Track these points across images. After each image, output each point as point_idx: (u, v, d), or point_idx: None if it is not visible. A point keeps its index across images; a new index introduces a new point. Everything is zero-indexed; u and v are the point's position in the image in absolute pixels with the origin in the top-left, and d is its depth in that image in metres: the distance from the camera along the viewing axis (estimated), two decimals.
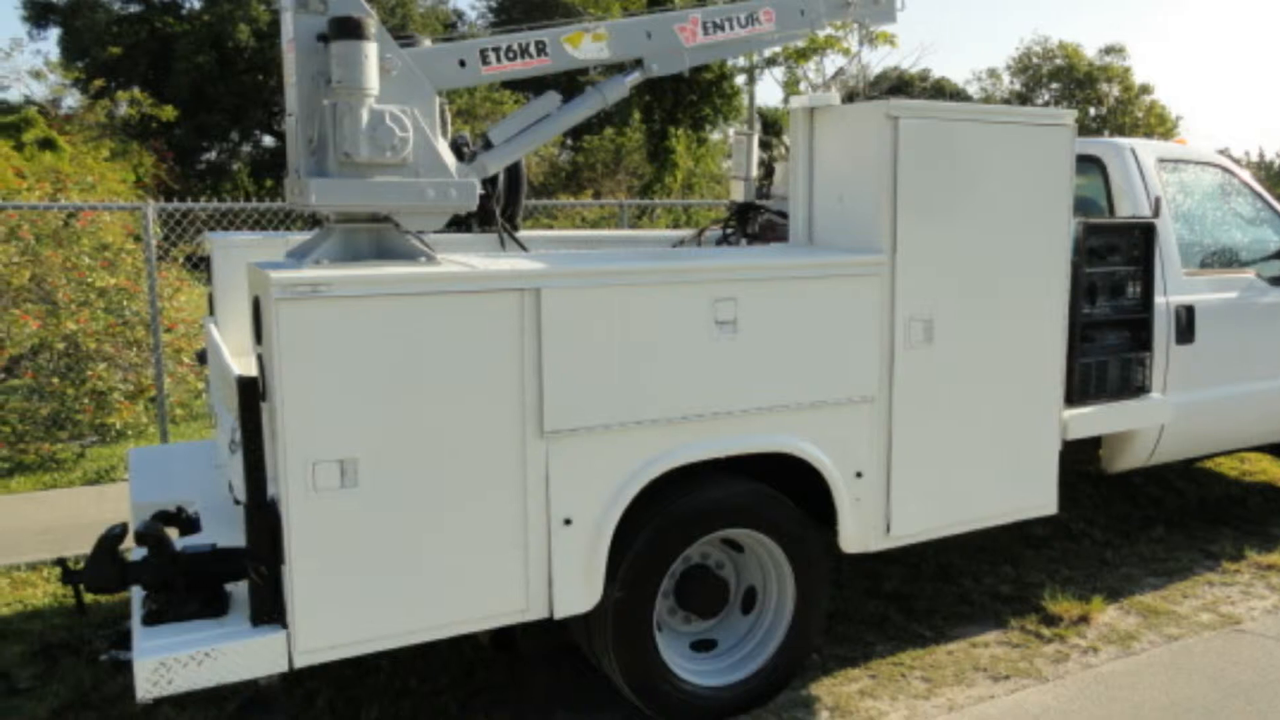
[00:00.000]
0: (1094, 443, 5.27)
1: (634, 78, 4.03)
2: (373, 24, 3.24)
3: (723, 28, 4.11)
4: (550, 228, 15.04)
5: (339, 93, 3.20)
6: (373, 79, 3.24)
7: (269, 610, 3.20)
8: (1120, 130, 37.60)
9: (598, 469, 3.62)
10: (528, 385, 3.43)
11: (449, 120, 3.67)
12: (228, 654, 3.14)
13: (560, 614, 3.62)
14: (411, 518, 3.32)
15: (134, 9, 30.42)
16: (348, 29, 3.17)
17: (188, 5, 30.23)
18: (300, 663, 3.23)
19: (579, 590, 3.64)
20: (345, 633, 3.28)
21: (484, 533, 3.44)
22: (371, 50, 3.23)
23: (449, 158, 3.50)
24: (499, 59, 3.64)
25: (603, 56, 3.87)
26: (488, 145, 3.73)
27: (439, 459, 3.33)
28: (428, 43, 3.59)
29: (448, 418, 3.33)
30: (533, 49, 3.70)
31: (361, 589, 3.28)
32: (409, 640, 3.41)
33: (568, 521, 3.58)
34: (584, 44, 3.80)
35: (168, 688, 3.08)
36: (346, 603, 3.26)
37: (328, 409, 3.16)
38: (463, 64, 3.58)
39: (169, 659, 3.07)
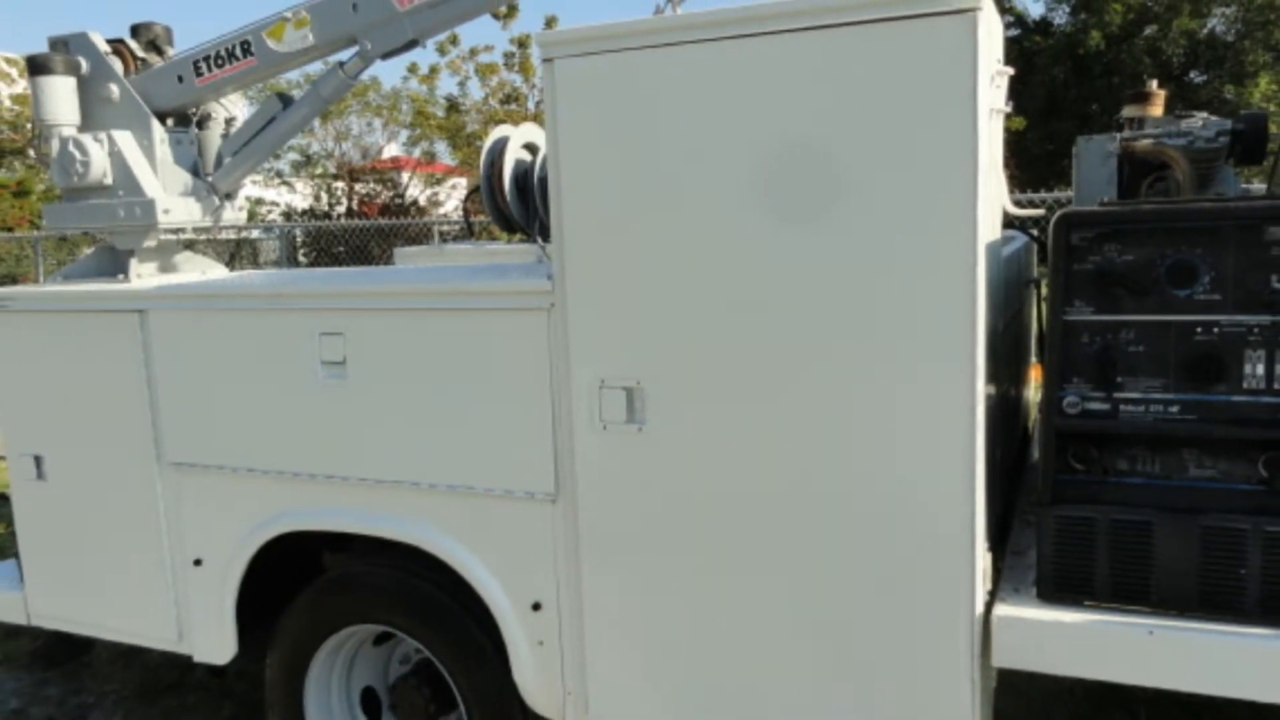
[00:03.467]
0: None
1: (352, 64, 3.05)
2: (62, 60, 3.20)
3: None
4: None
5: (39, 126, 3.27)
6: (61, 111, 3.21)
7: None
8: None
9: (221, 516, 2.98)
10: (148, 411, 3.02)
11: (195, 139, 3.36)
12: None
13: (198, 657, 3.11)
14: (84, 520, 3.25)
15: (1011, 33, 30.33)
16: (34, 67, 3.20)
17: (1056, 20, 28.96)
18: (34, 621, 3.47)
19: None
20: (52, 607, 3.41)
21: (132, 556, 3.16)
22: (60, 84, 3.20)
23: (149, 178, 3.23)
24: (210, 67, 3.18)
25: (308, 44, 3.03)
26: (219, 163, 3.29)
27: (89, 469, 3.18)
28: (159, 62, 3.33)
29: (90, 432, 3.16)
30: (239, 50, 3.13)
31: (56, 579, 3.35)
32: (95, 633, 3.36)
33: (198, 562, 3.05)
34: (287, 34, 3.04)
35: None
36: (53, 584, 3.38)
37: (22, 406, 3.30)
38: (180, 79, 3.23)
39: None
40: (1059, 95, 23.22)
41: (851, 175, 2.07)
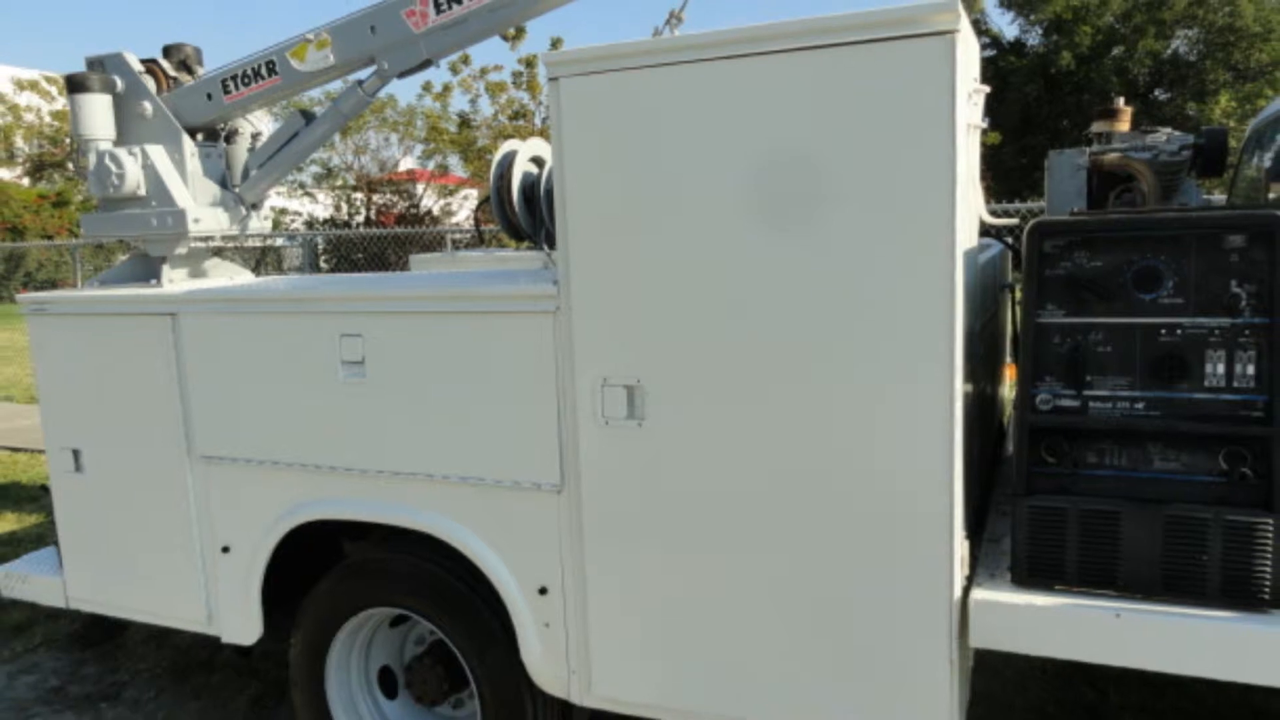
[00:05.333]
0: None
1: (370, 82, 3.05)
2: (99, 79, 3.20)
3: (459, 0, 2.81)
4: None
5: (77, 140, 3.27)
6: (97, 127, 3.21)
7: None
8: None
9: (248, 506, 2.97)
10: (179, 407, 3.02)
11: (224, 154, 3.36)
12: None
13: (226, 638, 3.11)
14: (119, 509, 3.24)
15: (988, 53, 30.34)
16: (73, 85, 3.20)
17: (1029, 41, 28.69)
18: (72, 605, 3.47)
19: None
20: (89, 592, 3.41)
21: (164, 543, 3.16)
22: (96, 101, 3.20)
23: (180, 189, 3.23)
24: (237, 85, 3.18)
25: (329, 64, 3.03)
26: (245, 175, 3.29)
27: (124, 462, 3.18)
28: (189, 80, 3.33)
29: (124, 427, 3.15)
30: (264, 70, 3.12)
31: (93, 565, 3.35)
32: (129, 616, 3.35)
33: (226, 549, 3.04)
34: (309, 54, 3.04)
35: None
36: (90, 570, 3.37)
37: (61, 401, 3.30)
38: (209, 97, 3.23)
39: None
40: (1032, 111, 23.23)
41: (838, 186, 2.07)
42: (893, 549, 2.13)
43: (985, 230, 2.97)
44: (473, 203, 21.42)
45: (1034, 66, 23.56)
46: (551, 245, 2.59)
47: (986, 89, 2.57)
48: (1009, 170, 20.73)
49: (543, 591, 2.55)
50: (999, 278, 3.22)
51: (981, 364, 2.62)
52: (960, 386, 2.05)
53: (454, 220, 21.47)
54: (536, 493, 2.51)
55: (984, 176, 2.87)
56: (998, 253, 3.20)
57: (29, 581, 3.55)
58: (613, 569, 2.43)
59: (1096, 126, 3.00)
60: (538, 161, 3.10)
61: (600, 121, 2.25)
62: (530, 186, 3.01)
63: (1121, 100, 3.05)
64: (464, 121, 19.65)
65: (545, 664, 2.58)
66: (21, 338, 16.06)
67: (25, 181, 26.32)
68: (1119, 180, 2.83)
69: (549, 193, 2.74)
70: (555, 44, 16.29)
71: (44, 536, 5.46)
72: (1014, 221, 3.24)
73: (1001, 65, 23.37)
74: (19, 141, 26.05)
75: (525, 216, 3.01)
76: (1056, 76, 23.06)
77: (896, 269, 2.04)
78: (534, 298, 2.44)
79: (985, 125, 2.65)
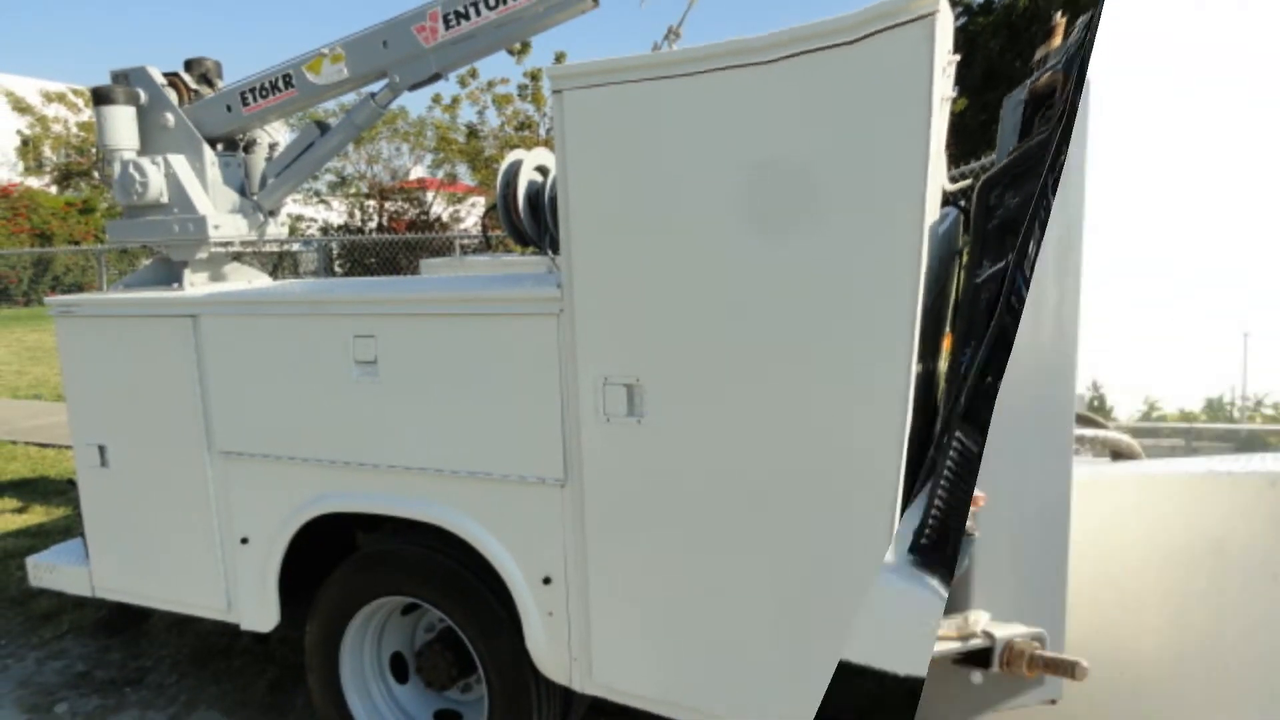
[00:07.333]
0: None
1: (382, 95, 3.04)
2: (123, 92, 3.19)
3: (467, 15, 2.79)
4: None
5: (103, 150, 3.26)
6: (122, 137, 3.20)
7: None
8: None
9: (266, 499, 2.97)
10: (200, 405, 3.01)
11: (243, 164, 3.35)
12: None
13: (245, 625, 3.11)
14: (142, 503, 3.24)
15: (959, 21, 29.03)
16: (99, 97, 3.19)
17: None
18: (98, 593, 3.46)
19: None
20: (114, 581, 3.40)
21: (185, 535, 3.16)
22: (121, 113, 3.19)
23: (201, 197, 3.22)
24: (255, 98, 3.17)
25: (343, 77, 3.02)
26: (263, 183, 3.28)
27: (147, 457, 3.18)
28: (209, 93, 3.32)
29: (148, 424, 3.15)
30: (281, 83, 3.11)
31: (118, 556, 3.34)
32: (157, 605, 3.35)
33: (244, 541, 3.04)
34: (324, 68, 3.03)
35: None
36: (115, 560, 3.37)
37: (86, 397, 3.29)
38: (229, 109, 3.22)
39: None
40: (995, 65, 22.04)
41: (827, 195, 2.04)
42: (882, 539, 2.11)
43: (945, 199, 2.79)
44: (480, 210, 21.40)
45: (999, 21, 22.41)
46: (555, 250, 2.58)
47: (957, 58, 2.38)
48: (970, 130, 20.15)
49: (547, 581, 2.54)
50: (952, 245, 3.12)
51: (928, 341, 2.54)
52: (913, 384, 2.00)
53: (462, 226, 21.45)
54: (541, 487, 2.51)
55: (947, 145, 2.63)
56: (953, 220, 3.08)
57: (57, 571, 3.54)
58: (613, 560, 2.42)
59: (1039, 54, 2.58)
60: (542, 170, 3.09)
61: (601, 131, 2.24)
62: (535, 194, 3.00)
63: (1059, 14, 2.67)
64: (472, 132, 19.63)
65: (549, 651, 2.57)
66: (50, 339, 16.03)
67: (53, 189, 26.29)
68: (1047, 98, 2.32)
69: (553, 200, 2.72)
70: (559, 58, 16.30)
71: (71, 528, 5.45)
72: (969, 183, 3.03)
73: (971, 29, 22.36)
74: (47, 151, 26.02)
75: (530, 223, 2.99)
76: (1017, 23, 22.06)
77: (879, 271, 2.01)
78: (538, 300, 2.43)
79: (955, 94, 2.47)
